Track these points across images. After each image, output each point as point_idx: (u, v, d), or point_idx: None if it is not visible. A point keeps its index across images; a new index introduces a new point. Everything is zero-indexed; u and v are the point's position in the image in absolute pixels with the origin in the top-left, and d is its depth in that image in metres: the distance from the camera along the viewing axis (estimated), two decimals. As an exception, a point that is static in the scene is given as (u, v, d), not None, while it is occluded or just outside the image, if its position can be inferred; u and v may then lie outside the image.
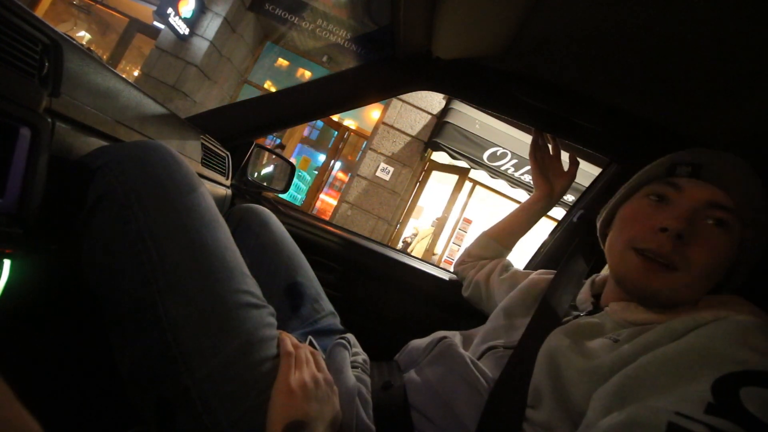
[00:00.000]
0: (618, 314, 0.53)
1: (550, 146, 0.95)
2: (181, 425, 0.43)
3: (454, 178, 5.08)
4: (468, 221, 5.21)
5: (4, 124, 0.38)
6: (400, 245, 5.00)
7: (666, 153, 0.58)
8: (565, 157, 0.93)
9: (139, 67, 5.37)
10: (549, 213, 0.96)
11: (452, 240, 5.21)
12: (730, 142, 0.72)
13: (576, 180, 0.92)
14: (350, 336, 0.70)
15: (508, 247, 0.96)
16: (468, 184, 5.16)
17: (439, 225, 5.06)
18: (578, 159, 0.93)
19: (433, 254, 5.01)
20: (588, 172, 4.05)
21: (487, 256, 0.96)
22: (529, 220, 0.94)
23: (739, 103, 0.64)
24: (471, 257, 0.98)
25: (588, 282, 0.68)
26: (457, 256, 1.10)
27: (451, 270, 1.06)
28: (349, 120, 5.56)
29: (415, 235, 5.19)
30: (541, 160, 0.94)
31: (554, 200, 0.92)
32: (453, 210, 5.17)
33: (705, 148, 0.54)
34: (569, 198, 4.30)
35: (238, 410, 0.43)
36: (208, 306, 0.45)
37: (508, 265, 0.90)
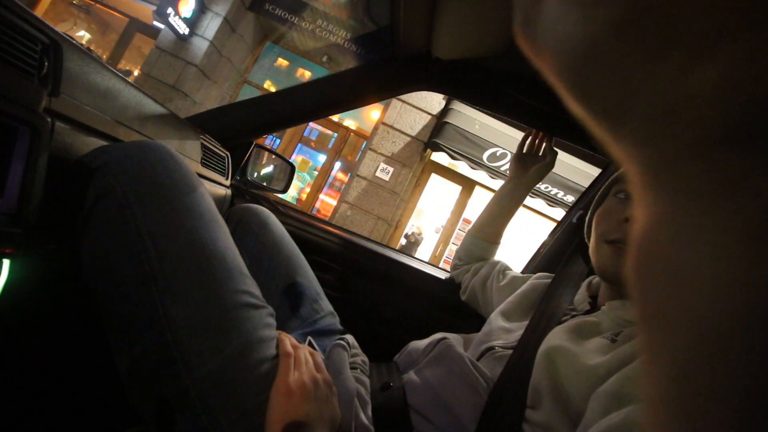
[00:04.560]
0: (614, 312, 0.54)
1: (543, 145, 0.95)
2: (180, 425, 0.43)
3: (458, 188, 5.10)
4: (467, 221, 5.21)
5: (4, 123, 0.38)
6: (402, 241, 5.00)
7: None
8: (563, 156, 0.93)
9: (138, 67, 5.37)
10: (549, 213, 0.96)
11: (452, 240, 5.21)
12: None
13: (576, 181, 0.93)
14: (349, 337, 0.70)
15: (495, 241, 0.96)
16: (472, 195, 5.17)
17: (444, 234, 5.08)
18: (557, 149, 0.94)
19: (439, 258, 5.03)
20: (588, 173, 4.08)
21: (477, 255, 0.96)
22: (505, 206, 0.94)
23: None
24: (462, 260, 0.98)
25: (585, 283, 0.68)
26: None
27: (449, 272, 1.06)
28: (349, 120, 5.56)
29: (418, 234, 5.19)
30: (527, 154, 0.95)
31: (525, 183, 0.92)
32: (453, 212, 5.17)
33: None
34: (569, 199, 4.32)
35: (237, 411, 0.43)
36: (208, 306, 0.45)
37: (505, 269, 0.89)
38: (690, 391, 0.10)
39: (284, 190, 1.18)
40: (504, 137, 4.40)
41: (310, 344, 0.63)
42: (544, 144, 0.94)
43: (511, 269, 0.90)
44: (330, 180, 5.60)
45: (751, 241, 0.09)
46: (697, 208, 0.10)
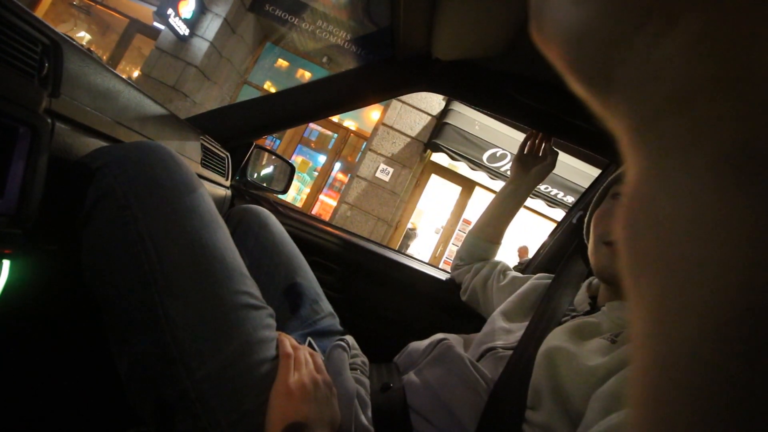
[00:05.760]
0: (614, 313, 0.54)
1: (543, 147, 0.95)
2: (180, 426, 0.43)
3: (458, 189, 5.11)
4: (467, 222, 5.21)
5: (4, 124, 0.38)
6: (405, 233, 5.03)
7: None
8: (562, 156, 0.93)
9: (139, 68, 5.37)
10: (549, 214, 0.96)
11: (452, 241, 5.22)
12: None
13: (576, 182, 0.93)
14: (349, 337, 0.70)
15: (496, 241, 0.96)
16: (472, 195, 5.18)
17: (444, 234, 5.09)
18: (558, 150, 0.94)
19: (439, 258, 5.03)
20: (588, 174, 4.08)
21: (478, 255, 0.96)
22: (506, 207, 0.94)
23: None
24: (463, 260, 0.98)
25: (585, 284, 0.68)
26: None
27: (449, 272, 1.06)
28: (348, 121, 5.56)
29: (412, 229, 5.20)
30: (528, 155, 0.96)
31: (526, 184, 0.93)
32: (453, 213, 5.18)
33: None
34: (569, 199, 4.32)
35: (236, 411, 0.43)
36: (207, 307, 0.45)
37: (506, 270, 0.89)
38: (675, 326, 0.11)
39: (284, 191, 1.18)
40: (504, 138, 4.41)
41: (310, 345, 0.63)
42: (544, 145, 0.95)
43: (511, 269, 0.91)
44: (330, 181, 5.60)
45: (720, 184, 0.10)
46: (674, 157, 0.11)
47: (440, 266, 1.19)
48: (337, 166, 5.64)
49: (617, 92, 0.13)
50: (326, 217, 5.06)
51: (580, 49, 0.14)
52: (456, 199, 5.24)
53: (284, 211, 1.05)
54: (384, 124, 4.73)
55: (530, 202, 4.41)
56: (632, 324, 0.12)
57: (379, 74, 0.94)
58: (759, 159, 0.10)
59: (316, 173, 5.65)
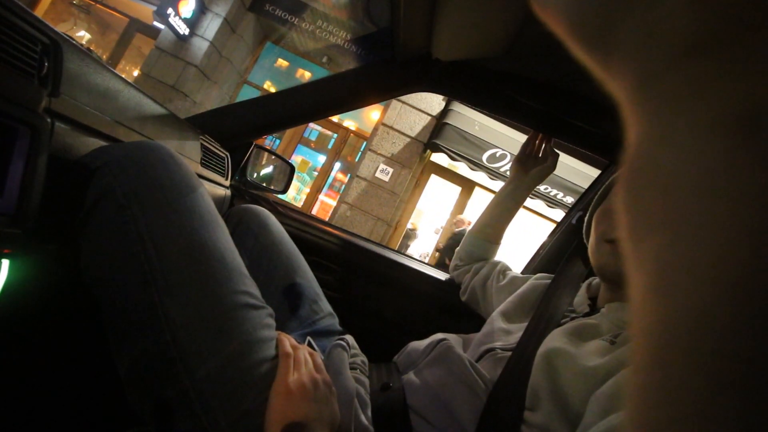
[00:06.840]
0: (614, 314, 0.54)
1: (543, 148, 0.95)
2: (179, 426, 0.43)
3: (457, 189, 5.11)
4: (468, 222, 5.21)
5: (4, 124, 0.38)
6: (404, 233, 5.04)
7: None
8: (563, 157, 0.93)
9: (138, 67, 5.37)
10: (548, 215, 0.96)
11: (451, 241, 5.22)
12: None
13: (575, 182, 0.93)
14: (349, 337, 0.70)
15: (496, 241, 0.96)
16: (472, 195, 5.18)
17: (444, 234, 5.09)
18: (559, 152, 0.94)
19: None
20: (587, 174, 4.08)
21: (477, 255, 0.96)
22: (506, 207, 0.94)
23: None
24: (463, 260, 0.98)
25: (585, 284, 0.68)
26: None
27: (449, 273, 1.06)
28: (348, 121, 5.56)
29: (412, 229, 5.20)
30: (528, 156, 0.96)
31: (526, 185, 0.93)
32: (453, 213, 5.18)
33: None
34: (569, 200, 4.32)
35: (236, 411, 0.43)
36: (207, 307, 0.45)
37: (506, 270, 0.89)
38: (682, 286, 0.10)
39: (284, 191, 1.18)
40: (503, 138, 4.40)
41: (310, 344, 0.63)
42: (544, 146, 0.95)
43: (511, 269, 0.91)
44: (330, 181, 5.60)
45: (726, 138, 0.10)
46: (677, 112, 0.11)
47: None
48: (337, 166, 5.63)
49: (619, 52, 0.13)
50: (326, 217, 5.06)
51: (580, 13, 0.14)
52: (456, 200, 5.24)
53: (284, 211, 1.05)
54: (384, 124, 4.73)
55: (530, 202, 4.41)
56: (632, 290, 0.12)
57: (379, 74, 0.94)
58: (765, 113, 0.09)
59: (315, 173, 5.64)
